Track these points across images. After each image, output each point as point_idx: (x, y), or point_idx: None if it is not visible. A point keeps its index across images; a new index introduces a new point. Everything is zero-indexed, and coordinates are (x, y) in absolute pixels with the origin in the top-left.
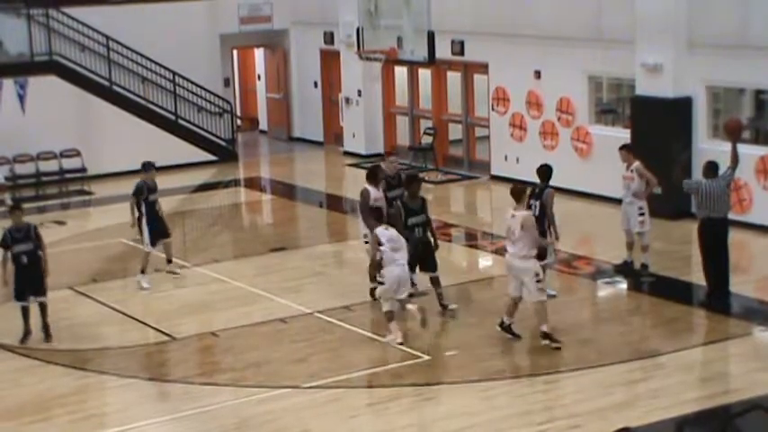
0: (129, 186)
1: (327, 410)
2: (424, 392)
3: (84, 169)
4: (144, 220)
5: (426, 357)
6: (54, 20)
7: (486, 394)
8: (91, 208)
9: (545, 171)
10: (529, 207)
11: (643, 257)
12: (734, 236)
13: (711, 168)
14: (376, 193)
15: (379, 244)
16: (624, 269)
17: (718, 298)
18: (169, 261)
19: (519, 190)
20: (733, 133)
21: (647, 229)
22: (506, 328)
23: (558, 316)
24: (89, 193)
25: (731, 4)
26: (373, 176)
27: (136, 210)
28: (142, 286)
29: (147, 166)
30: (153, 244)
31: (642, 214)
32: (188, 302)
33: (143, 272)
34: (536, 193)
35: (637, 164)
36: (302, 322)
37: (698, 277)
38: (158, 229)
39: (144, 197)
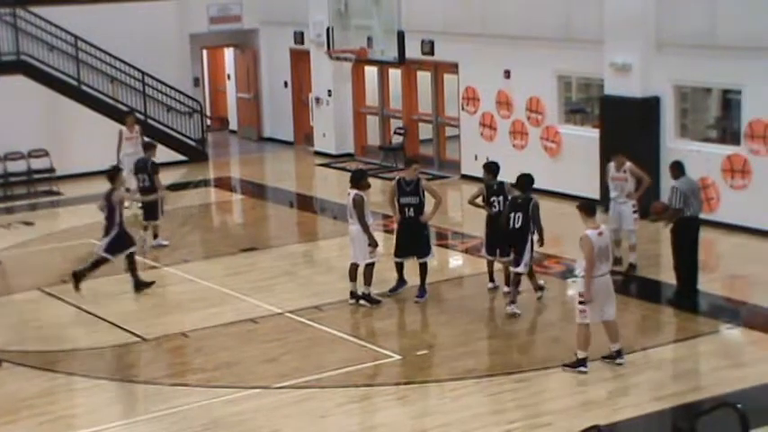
0: (98, 187)
1: (298, 410)
2: (396, 392)
3: (52, 169)
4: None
5: (397, 357)
6: (21, 19)
7: (457, 393)
8: (59, 208)
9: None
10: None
11: (632, 257)
12: (701, 235)
13: (678, 168)
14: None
15: None
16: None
17: (686, 296)
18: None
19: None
20: (658, 214)
21: (637, 228)
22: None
23: (529, 315)
24: (57, 193)
25: (699, 5)
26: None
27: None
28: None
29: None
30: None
31: (635, 212)
32: (158, 303)
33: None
34: (519, 204)
35: (629, 164)
36: (273, 322)
37: (666, 276)
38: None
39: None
